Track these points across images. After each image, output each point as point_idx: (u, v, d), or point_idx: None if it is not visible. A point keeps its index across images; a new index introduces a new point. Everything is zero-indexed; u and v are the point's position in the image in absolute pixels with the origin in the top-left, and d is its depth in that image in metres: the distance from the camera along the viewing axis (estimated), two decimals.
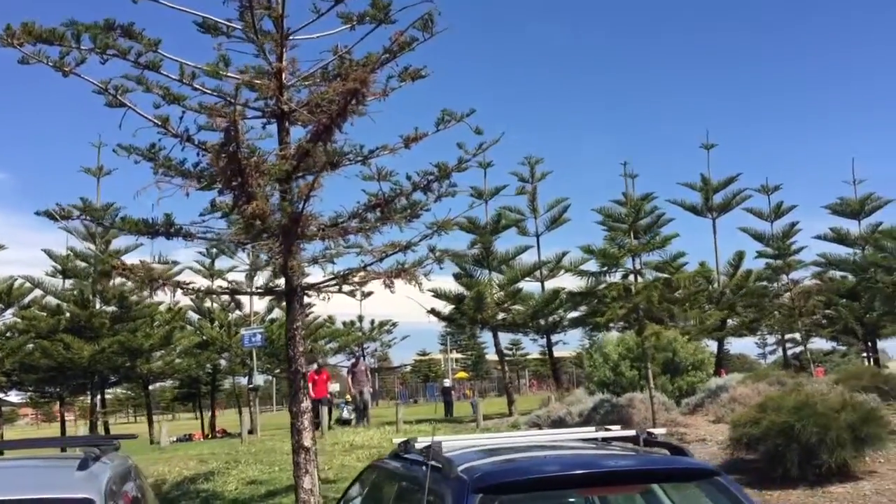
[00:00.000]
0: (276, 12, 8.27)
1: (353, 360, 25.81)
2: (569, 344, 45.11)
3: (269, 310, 32.90)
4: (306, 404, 8.92)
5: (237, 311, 32.77)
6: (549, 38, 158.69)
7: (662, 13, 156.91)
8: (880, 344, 30.48)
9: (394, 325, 40.31)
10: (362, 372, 24.54)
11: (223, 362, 33.90)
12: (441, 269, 10.12)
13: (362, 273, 9.25)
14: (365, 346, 39.41)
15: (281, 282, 9.68)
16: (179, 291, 9.43)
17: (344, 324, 37.68)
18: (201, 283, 30.58)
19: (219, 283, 29.44)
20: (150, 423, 32.64)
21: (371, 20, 8.68)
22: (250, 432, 21.27)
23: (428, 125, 9.25)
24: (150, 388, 37.37)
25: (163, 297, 19.55)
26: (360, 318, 38.38)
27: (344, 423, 25.63)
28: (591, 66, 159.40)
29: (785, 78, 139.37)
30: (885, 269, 15.99)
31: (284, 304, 9.77)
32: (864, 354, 31.16)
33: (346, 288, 9.54)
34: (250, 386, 24.03)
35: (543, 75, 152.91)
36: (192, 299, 30.31)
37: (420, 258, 9.59)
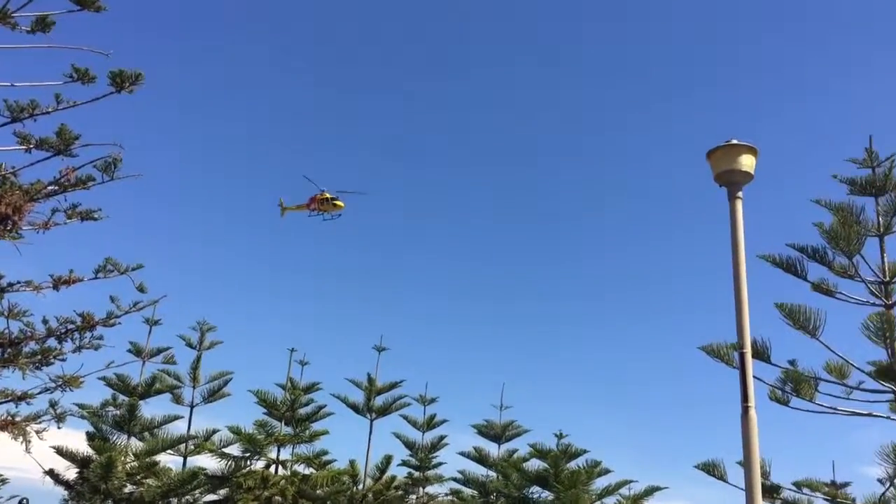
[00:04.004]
0: None
1: None
2: None
3: None
4: None
5: None
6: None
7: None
8: None
9: (3, 481, 34.82)
10: None
11: None
12: (60, 427, 9.10)
13: None
14: None
15: None
16: None
17: None
18: None
19: None
20: None
21: (50, 148, 8.19)
22: None
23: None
24: None
25: None
26: None
27: None
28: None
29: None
30: (505, 496, 17.27)
31: None
32: None
33: None
34: None
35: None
36: None
37: (37, 412, 8.59)
